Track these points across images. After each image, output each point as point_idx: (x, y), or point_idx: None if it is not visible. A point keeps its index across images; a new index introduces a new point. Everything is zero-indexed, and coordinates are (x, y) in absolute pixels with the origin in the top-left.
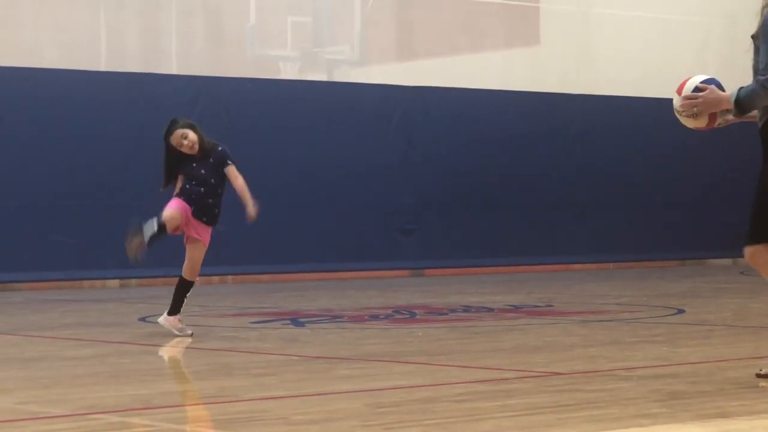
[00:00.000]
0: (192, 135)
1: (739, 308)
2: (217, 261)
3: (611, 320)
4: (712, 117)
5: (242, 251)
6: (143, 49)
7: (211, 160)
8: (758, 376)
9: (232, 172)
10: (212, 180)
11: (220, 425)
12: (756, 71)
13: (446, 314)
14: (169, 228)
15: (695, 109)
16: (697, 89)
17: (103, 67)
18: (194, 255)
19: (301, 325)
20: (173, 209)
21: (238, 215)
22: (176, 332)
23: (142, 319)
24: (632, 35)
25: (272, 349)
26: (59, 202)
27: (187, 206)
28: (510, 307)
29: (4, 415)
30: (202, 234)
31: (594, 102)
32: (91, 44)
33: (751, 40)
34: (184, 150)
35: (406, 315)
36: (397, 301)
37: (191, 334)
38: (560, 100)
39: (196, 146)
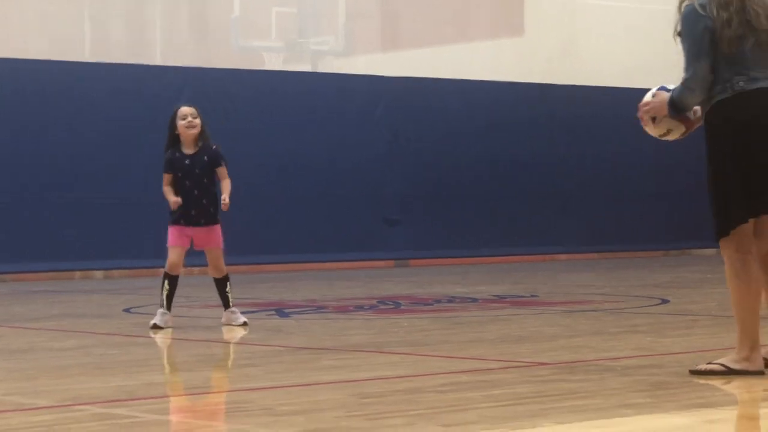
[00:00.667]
0: (198, 120)
1: (723, 298)
2: (200, 252)
3: (595, 310)
4: (685, 120)
5: (227, 242)
6: (128, 40)
7: (206, 158)
8: (692, 372)
9: (222, 172)
10: (204, 180)
11: (204, 416)
12: None
13: (431, 305)
14: (176, 272)
15: (648, 115)
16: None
17: (87, 57)
18: (212, 258)
19: (285, 315)
20: (173, 255)
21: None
22: (234, 323)
23: (127, 310)
24: (617, 25)
25: (257, 339)
26: (44, 193)
27: (184, 236)
28: (494, 298)
29: None
30: (211, 240)
31: (579, 92)
32: (76, 35)
33: (678, 37)
34: (185, 129)
35: (391, 305)
36: (381, 291)
37: (245, 323)
38: (545, 91)
39: (197, 131)
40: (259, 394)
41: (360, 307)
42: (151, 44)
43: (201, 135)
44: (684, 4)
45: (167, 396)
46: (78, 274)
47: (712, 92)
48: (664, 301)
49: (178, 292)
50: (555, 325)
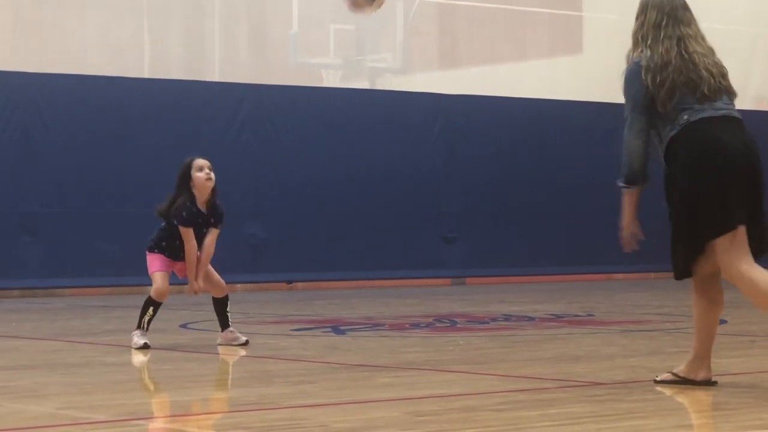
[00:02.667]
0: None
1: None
2: (258, 269)
3: (652, 330)
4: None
5: (283, 259)
6: (187, 56)
7: (212, 219)
8: (656, 382)
9: (215, 236)
10: (203, 237)
11: None
12: None
13: (487, 323)
14: (163, 299)
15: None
16: None
17: (146, 74)
18: (211, 275)
19: (341, 332)
20: (163, 282)
21: (277, 222)
22: (235, 343)
23: (183, 326)
24: None
25: (312, 356)
26: (103, 208)
27: (169, 264)
28: (551, 317)
29: (46, 421)
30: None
31: None
32: (136, 51)
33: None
34: (203, 181)
35: (447, 323)
36: (438, 309)
37: (246, 342)
38: (603, 109)
39: (213, 184)
40: (314, 411)
41: (416, 325)
42: (209, 60)
43: (214, 190)
44: (631, 58)
45: (222, 412)
46: (134, 289)
47: (663, 135)
48: (723, 322)
49: (233, 308)
50: (612, 344)
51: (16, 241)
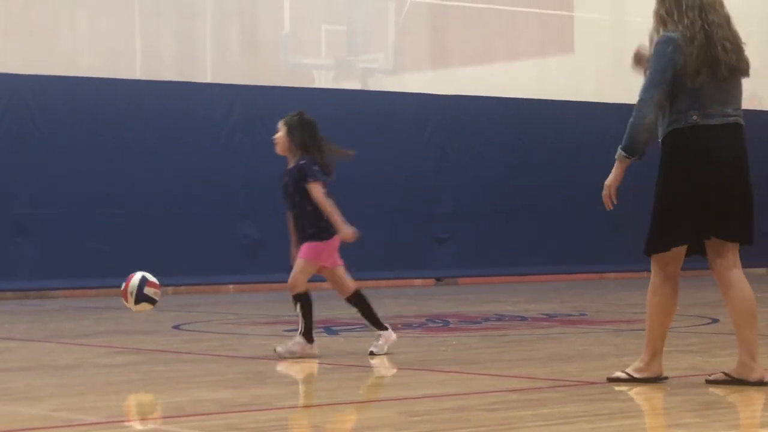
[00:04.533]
0: (280, 133)
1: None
2: (251, 269)
3: (644, 329)
4: None
5: (276, 259)
6: (178, 58)
7: (296, 171)
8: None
9: (311, 191)
10: (297, 198)
11: None
12: None
13: (479, 323)
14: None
15: (609, 200)
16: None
17: (138, 75)
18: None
19: (334, 333)
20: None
21: (269, 222)
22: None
23: (177, 327)
24: None
25: (305, 357)
26: (94, 209)
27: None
28: (543, 316)
29: (39, 422)
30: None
31: (629, 110)
32: (127, 53)
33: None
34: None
35: (440, 323)
36: (430, 309)
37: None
38: (595, 109)
39: (281, 148)
40: (307, 411)
41: (409, 325)
42: (201, 61)
43: (289, 147)
44: (660, 32)
45: (216, 413)
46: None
47: (668, 120)
48: (714, 321)
49: (226, 308)
50: (604, 344)
51: (8, 242)
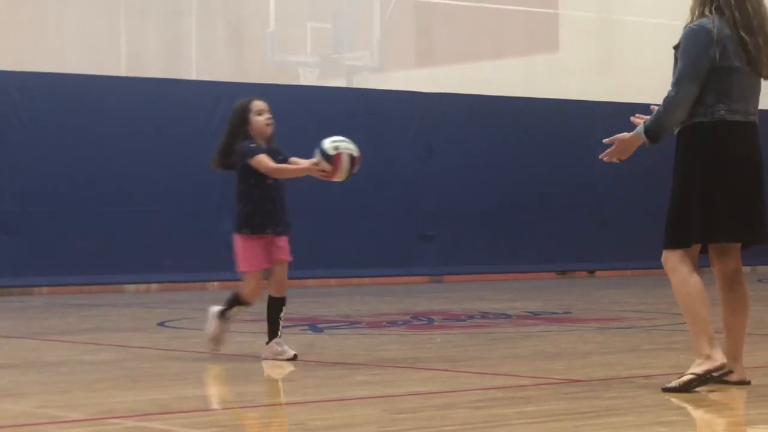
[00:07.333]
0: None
1: (758, 315)
2: (234, 267)
3: (629, 327)
4: None
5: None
6: (164, 55)
7: (279, 156)
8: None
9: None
10: (275, 185)
11: (237, 430)
12: None
13: (464, 321)
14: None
15: (615, 159)
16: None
17: (123, 72)
18: (280, 272)
19: (319, 330)
20: (252, 283)
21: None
22: (282, 357)
23: (161, 324)
24: (652, 42)
25: None
26: (80, 206)
27: (261, 258)
28: (528, 314)
29: (23, 419)
30: (282, 252)
31: (614, 109)
32: (113, 49)
33: (673, 50)
34: (263, 126)
35: (425, 321)
36: (415, 307)
37: (294, 356)
38: (580, 107)
39: (272, 131)
40: (291, 409)
41: (393, 323)
42: (186, 58)
43: (272, 136)
44: (695, 21)
45: (201, 410)
46: (111, 287)
47: (692, 112)
48: None
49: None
50: (589, 341)
51: None
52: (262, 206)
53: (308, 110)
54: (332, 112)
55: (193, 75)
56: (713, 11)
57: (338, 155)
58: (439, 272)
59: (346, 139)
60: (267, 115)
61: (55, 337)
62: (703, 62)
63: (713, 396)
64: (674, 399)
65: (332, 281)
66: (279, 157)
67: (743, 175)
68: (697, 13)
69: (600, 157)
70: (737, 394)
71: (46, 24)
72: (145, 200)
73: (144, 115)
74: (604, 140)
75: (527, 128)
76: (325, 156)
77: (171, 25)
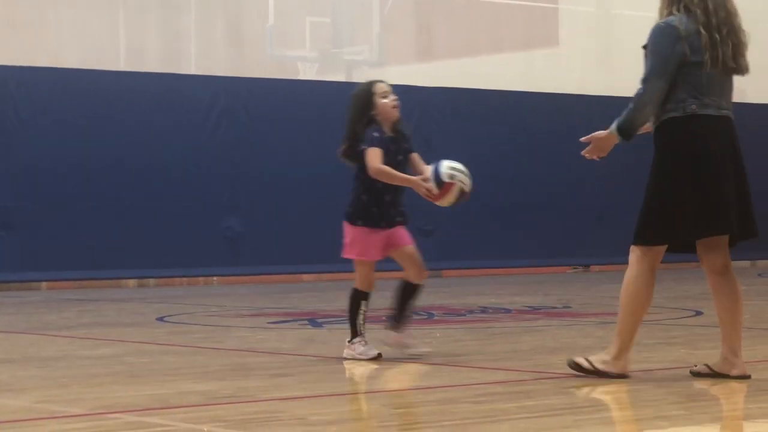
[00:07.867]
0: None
1: (757, 310)
2: (234, 262)
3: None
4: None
5: (260, 251)
6: (163, 49)
7: (405, 145)
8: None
9: (417, 158)
10: (401, 169)
11: (237, 425)
12: None
13: (464, 315)
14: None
15: (595, 157)
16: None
17: (123, 67)
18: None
19: (318, 325)
20: (365, 271)
21: (253, 215)
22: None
23: (160, 319)
24: None
25: (290, 349)
26: (76, 201)
27: (374, 252)
28: (528, 309)
29: (23, 414)
30: (405, 239)
31: (614, 103)
32: (112, 44)
33: (643, 49)
34: (386, 111)
35: (424, 316)
36: (415, 301)
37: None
38: (580, 102)
39: (398, 114)
40: (291, 403)
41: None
42: (185, 53)
43: (400, 119)
44: (661, 19)
45: (200, 405)
46: (110, 282)
47: (664, 108)
48: (698, 313)
49: (210, 301)
50: (588, 336)
51: None
52: (381, 197)
53: (308, 105)
54: (332, 106)
55: (192, 69)
56: (681, 9)
57: (451, 184)
58: (439, 267)
59: (465, 170)
60: (392, 97)
61: (54, 332)
62: (670, 58)
63: (713, 390)
64: (674, 393)
65: (331, 276)
66: (404, 145)
67: (716, 169)
68: (665, 13)
69: (582, 153)
70: (737, 389)
71: (44, 19)
72: (144, 195)
73: (143, 110)
74: (581, 139)
75: (527, 123)
76: (438, 179)
77: (170, 20)
